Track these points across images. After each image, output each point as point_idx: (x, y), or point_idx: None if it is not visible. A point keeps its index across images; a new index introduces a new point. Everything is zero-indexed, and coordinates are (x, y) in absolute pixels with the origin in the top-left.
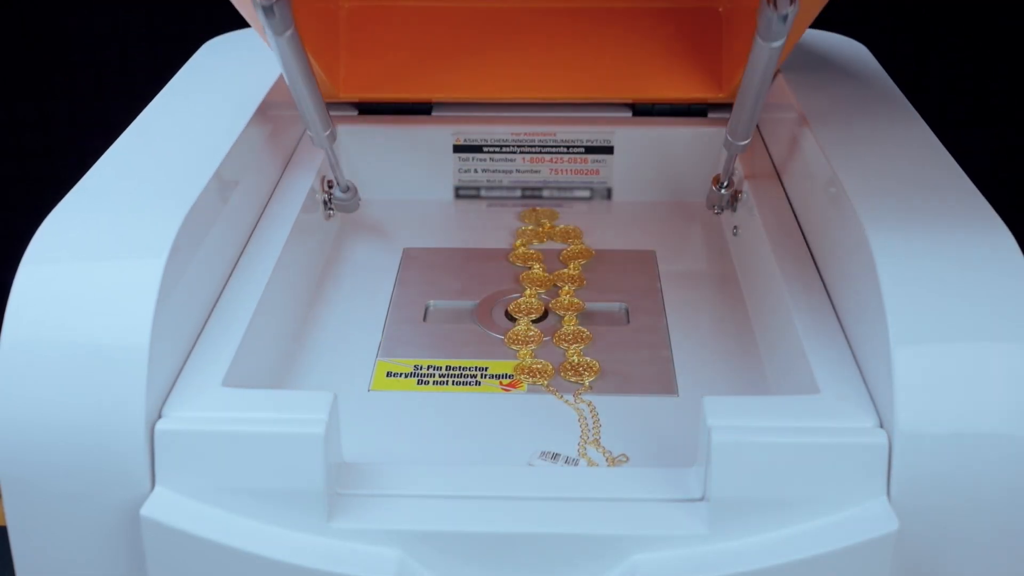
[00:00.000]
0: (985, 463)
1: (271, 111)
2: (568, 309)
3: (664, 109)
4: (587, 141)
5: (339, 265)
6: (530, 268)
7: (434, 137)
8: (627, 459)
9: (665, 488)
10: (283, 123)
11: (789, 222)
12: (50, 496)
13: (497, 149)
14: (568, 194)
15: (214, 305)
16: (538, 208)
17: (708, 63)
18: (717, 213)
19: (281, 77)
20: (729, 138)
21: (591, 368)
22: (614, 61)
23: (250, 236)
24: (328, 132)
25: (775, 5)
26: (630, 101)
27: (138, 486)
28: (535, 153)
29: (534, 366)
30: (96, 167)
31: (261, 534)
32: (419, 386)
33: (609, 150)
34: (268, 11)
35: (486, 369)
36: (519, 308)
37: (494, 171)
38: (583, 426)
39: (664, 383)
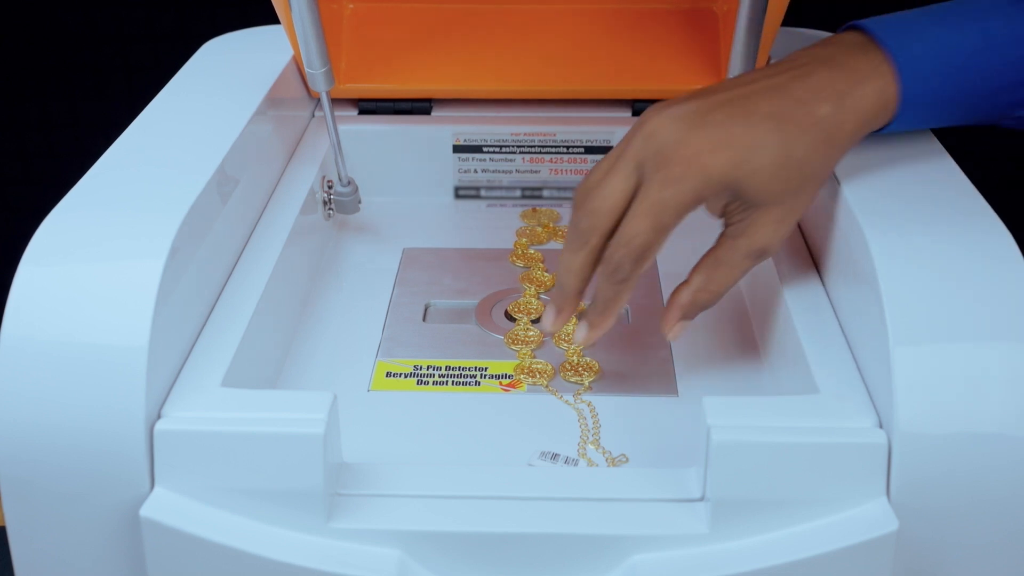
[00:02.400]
0: (985, 463)
1: (272, 111)
2: None
3: None
4: (587, 141)
5: (339, 265)
6: (530, 269)
7: (434, 137)
8: (627, 459)
9: (665, 488)
10: (284, 123)
11: None
12: (49, 496)
13: (497, 149)
14: (568, 194)
15: (214, 305)
16: (539, 208)
17: (706, 61)
18: None
19: (281, 76)
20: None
21: (591, 368)
22: (613, 59)
23: (250, 236)
24: (324, 69)
25: None
26: (629, 97)
27: (137, 486)
28: (535, 153)
29: (534, 366)
30: (96, 167)
31: (261, 534)
32: (419, 386)
33: (609, 150)
34: None
35: (486, 369)
36: (519, 308)
37: (494, 171)
38: (583, 426)
39: (664, 383)
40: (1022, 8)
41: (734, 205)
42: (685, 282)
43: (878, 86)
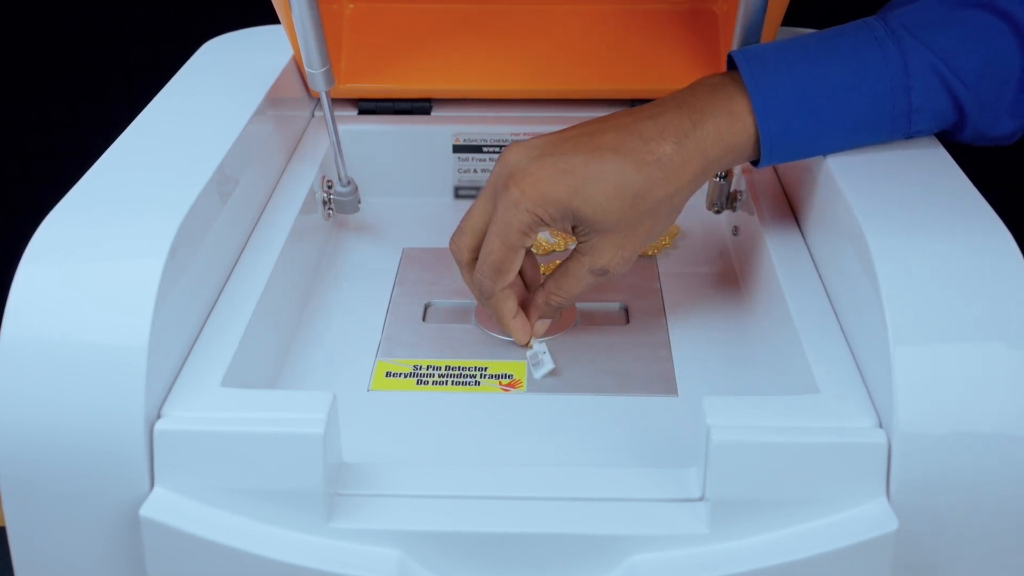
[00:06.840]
0: (985, 463)
1: (272, 111)
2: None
3: None
4: None
5: (339, 265)
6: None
7: (434, 137)
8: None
9: (665, 488)
10: (284, 123)
11: (789, 222)
12: (49, 496)
13: (496, 149)
14: None
15: (213, 305)
16: None
17: (706, 61)
18: (716, 212)
19: (281, 76)
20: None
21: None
22: (613, 59)
23: (250, 236)
24: (324, 69)
25: None
26: (629, 97)
27: (137, 486)
28: None
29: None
30: (95, 167)
31: (261, 534)
32: (418, 386)
33: None
34: None
35: (486, 369)
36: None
37: None
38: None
39: (664, 383)
40: (890, 44)
41: (580, 228)
42: (542, 286)
43: (723, 125)
